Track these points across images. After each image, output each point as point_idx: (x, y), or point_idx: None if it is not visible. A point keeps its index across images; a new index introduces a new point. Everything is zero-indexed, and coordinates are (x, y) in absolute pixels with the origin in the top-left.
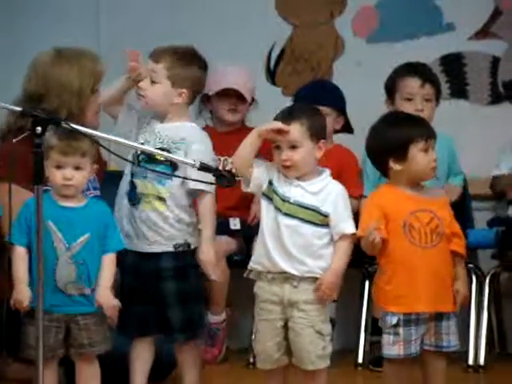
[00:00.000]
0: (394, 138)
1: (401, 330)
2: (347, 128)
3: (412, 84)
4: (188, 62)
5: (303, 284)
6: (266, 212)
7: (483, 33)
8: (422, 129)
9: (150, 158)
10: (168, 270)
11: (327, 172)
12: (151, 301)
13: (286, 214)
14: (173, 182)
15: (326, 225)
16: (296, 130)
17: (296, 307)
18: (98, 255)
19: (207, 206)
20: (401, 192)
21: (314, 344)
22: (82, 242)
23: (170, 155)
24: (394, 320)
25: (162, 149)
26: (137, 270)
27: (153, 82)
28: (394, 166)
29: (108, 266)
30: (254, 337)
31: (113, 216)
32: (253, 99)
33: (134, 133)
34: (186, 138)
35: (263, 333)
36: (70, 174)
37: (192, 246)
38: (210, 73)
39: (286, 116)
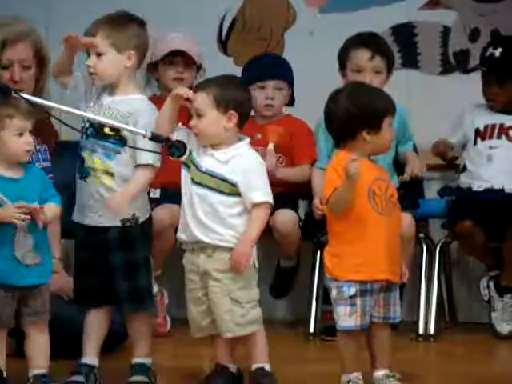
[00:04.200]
0: (373, 109)
1: (358, 301)
2: (290, 100)
3: (361, 56)
4: (124, 24)
5: (217, 253)
6: (184, 181)
7: (433, 2)
8: (392, 103)
9: (98, 132)
10: (115, 242)
11: (245, 141)
12: (101, 272)
13: (197, 183)
14: (121, 156)
15: (236, 194)
16: (200, 99)
17: (210, 276)
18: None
19: (146, 177)
20: (361, 159)
21: (231, 312)
22: None
23: (123, 125)
24: (352, 290)
25: None
26: (87, 243)
27: (98, 55)
28: (366, 137)
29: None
30: None
31: (45, 175)
32: (200, 66)
33: (83, 107)
34: (134, 112)
35: (189, 302)
36: (30, 139)
37: (140, 220)
38: (156, 40)
39: (198, 85)
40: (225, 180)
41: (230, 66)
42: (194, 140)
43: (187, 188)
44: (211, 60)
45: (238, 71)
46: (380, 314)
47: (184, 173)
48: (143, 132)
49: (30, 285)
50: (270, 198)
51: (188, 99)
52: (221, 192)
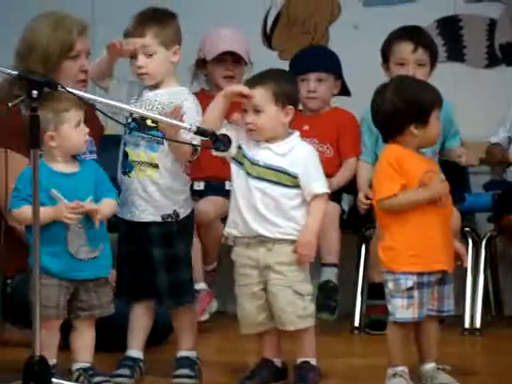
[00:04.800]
0: (420, 103)
1: (415, 293)
2: (344, 91)
3: (404, 49)
4: (168, 20)
5: (278, 246)
6: (236, 176)
7: None
8: (439, 95)
9: (141, 126)
10: (155, 237)
11: (296, 134)
12: (143, 267)
13: (256, 177)
14: (164, 147)
15: (296, 186)
16: (259, 95)
17: (272, 269)
18: None
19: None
20: (411, 152)
21: (293, 304)
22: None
23: (167, 119)
24: (409, 283)
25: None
26: (129, 238)
27: (149, 56)
28: (414, 131)
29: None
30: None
31: (103, 170)
32: (247, 61)
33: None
34: (174, 101)
35: (243, 298)
36: (86, 128)
37: (181, 216)
38: (206, 37)
39: (252, 80)
40: (285, 172)
41: (274, 60)
42: (242, 135)
43: (242, 183)
44: (256, 54)
45: (282, 65)
46: (434, 307)
47: (235, 168)
48: (188, 126)
49: (84, 279)
50: (328, 189)
51: (244, 95)
52: (282, 185)
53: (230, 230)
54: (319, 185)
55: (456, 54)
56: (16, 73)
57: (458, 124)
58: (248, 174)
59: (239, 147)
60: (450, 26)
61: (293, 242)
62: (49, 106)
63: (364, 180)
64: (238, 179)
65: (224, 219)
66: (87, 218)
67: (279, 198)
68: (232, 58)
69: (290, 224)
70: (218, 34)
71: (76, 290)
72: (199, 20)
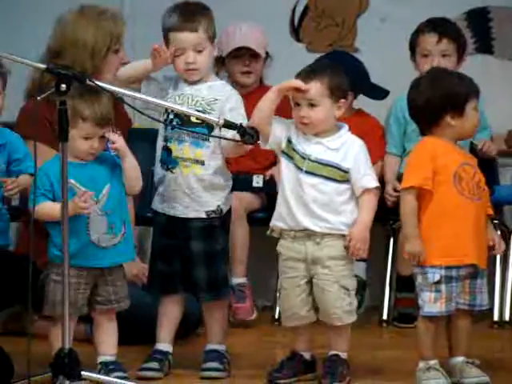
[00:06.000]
0: (455, 93)
1: (443, 287)
2: (377, 94)
3: (428, 40)
4: (210, 14)
5: (326, 240)
6: (286, 170)
7: None
8: (475, 86)
9: (185, 121)
10: (197, 231)
11: (346, 127)
12: (180, 261)
13: (308, 172)
14: (210, 143)
15: (346, 181)
16: (315, 89)
17: (320, 264)
18: (119, 202)
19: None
20: (448, 144)
21: (340, 300)
22: (107, 192)
23: (195, 113)
24: (437, 277)
25: (197, 111)
26: (168, 232)
27: (199, 52)
28: (450, 122)
29: None
30: (278, 294)
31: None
32: (267, 55)
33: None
34: (219, 98)
35: (288, 290)
36: (96, 144)
37: (224, 212)
38: (222, 34)
39: (307, 74)
40: (337, 167)
41: (302, 53)
42: (292, 128)
43: (291, 177)
44: (284, 47)
45: (310, 58)
46: (466, 301)
47: (285, 162)
48: (216, 119)
49: (105, 267)
50: (378, 183)
51: (299, 89)
52: (334, 180)
53: (277, 222)
54: (370, 179)
55: (485, 46)
56: (44, 66)
57: (487, 117)
58: (299, 168)
59: (289, 141)
60: (479, 18)
61: (341, 236)
62: (73, 102)
63: (392, 172)
64: (287, 173)
65: (249, 216)
66: (107, 203)
67: (331, 194)
68: (249, 53)
69: (339, 219)
70: (233, 29)
71: (95, 285)
72: (227, 14)
